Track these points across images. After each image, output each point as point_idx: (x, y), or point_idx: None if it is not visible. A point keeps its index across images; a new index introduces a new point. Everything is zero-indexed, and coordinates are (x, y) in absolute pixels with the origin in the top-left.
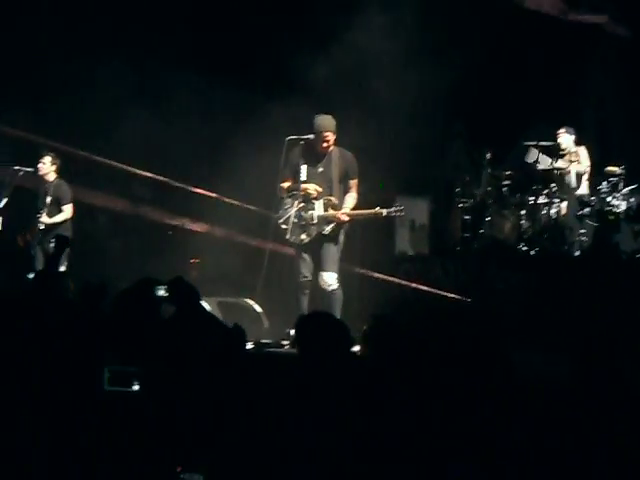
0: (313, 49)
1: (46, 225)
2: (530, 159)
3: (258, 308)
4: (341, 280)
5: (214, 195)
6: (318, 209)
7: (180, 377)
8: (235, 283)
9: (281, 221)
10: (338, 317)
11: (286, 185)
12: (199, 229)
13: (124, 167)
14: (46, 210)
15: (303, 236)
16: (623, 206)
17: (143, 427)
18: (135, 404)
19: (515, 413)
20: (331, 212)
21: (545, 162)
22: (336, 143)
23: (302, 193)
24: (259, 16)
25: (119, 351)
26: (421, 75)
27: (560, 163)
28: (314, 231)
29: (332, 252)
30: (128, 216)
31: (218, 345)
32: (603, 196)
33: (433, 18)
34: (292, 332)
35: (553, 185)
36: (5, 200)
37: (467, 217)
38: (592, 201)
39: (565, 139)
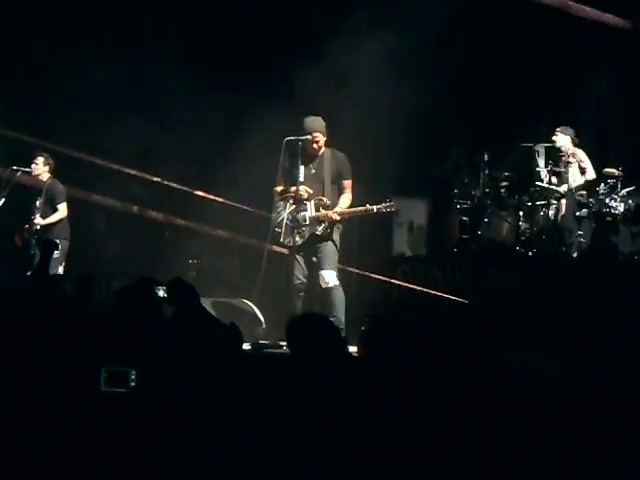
0: (309, 50)
1: (41, 226)
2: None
3: (256, 309)
4: (340, 279)
5: (211, 197)
6: (310, 210)
7: (178, 377)
8: (233, 284)
9: (275, 224)
10: (342, 316)
11: (280, 187)
12: (197, 230)
13: (121, 168)
14: (40, 211)
15: (297, 238)
16: (621, 208)
17: (139, 427)
18: (131, 405)
19: (511, 414)
20: (322, 212)
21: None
22: (327, 144)
23: (294, 195)
24: (253, 17)
25: (118, 351)
26: (420, 77)
27: (558, 165)
28: (307, 232)
29: (329, 251)
30: (126, 216)
31: (217, 345)
32: (601, 198)
33: (432, 19)
34: None
35: (552, 186)
36: (2, 200)
37: (465, 218)
38: (590, 203)
39: (561, 139)
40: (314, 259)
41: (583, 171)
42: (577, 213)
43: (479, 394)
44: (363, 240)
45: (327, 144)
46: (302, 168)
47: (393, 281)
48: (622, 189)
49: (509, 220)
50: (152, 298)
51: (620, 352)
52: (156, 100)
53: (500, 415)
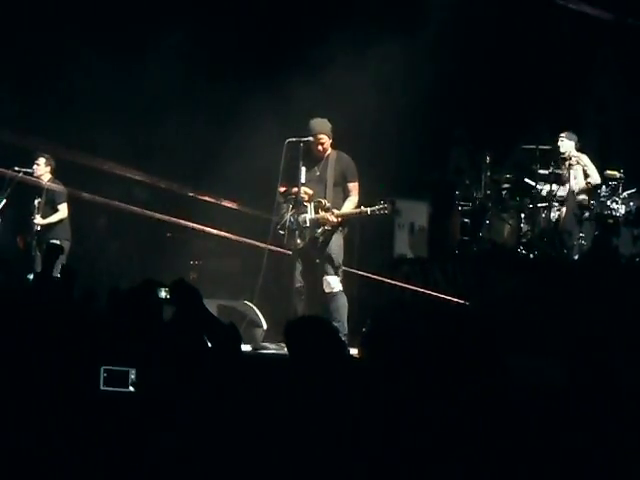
0: (312, 52)
1: (42, 226)
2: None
3: (257, 311)
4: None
5: (212, 200)
6: (310, 212)
7: (177, 378)
8: (234, 285)
9: (279, 226)
10: (344, 320)
11: (283, 189)
12: (199, 231)
13: (122, 172)
14: (40, 211)
15: (298, 241)
16: (622, 210)
17: (138, 428)
18: (130, 404)
19: (512, 417)
20: (321, 214)
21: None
22: (334, 146)
23: (295, 197)
24: (254, 18)
25: (117, 352)
26: (421, 79)
27: (560, 168)
28: (307, 235)
29: (332, 255)
30: (127, 218)
31: (217, 346)
32: (602, 200)
33: (433, 21)
34: None
35: (553, 189)
36: (4, 201)
37: (466, 220)
38: (591, 205)
39: (566, 144)
40: (317, 261)
41: (587, 176)
42: (578, 215)
43: (480, 396)
44: (364, 242)
45: (334, 146)
46: (304, 170)
47: (394, 283)
48: (623, 191)
49: (510, 222)
50: (154, 299)
51: (622, 355)
52: (159, 102)
53: (501, 418)
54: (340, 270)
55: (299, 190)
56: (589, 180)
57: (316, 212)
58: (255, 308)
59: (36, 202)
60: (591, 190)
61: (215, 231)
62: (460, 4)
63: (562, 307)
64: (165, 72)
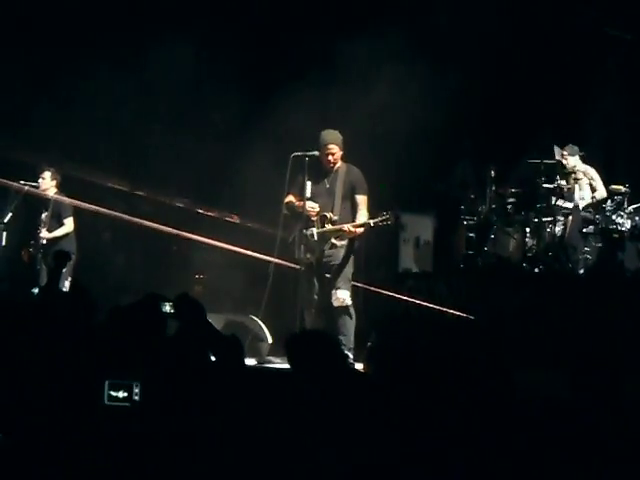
0: (319, 65)
1: (48, 240)
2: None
3: (262, 325)
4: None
5: (216, 215)
6: (317, 226)
7: (181, 392)
8: (239, 299)
9: (289, 241)
10: (351, 335)
11: (290, 203)
12: (204, 245)
13: (126, 186)
14: (46, 225)
15: (307, 255)
16: (628, 224)
17: (142, 442)
18: (134, 419)
19: (516, 431)
20: (327, 228)
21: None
22: (345, 159)
23: (303, 212)
24: (260, 31)
25: (122, 367)
26: (426, 93)
27: (566, 182)
28: (316, 249)
29: (342, 269)
30: (132, 231)
31: (220, 359)
32: (608, 214)
33: (440, 37)
34: None
35: (558, 203)
36: (10, 215)
37: (471, 234)
38: (597, 219)
39: (571, 160)
40: (327, 275)
41: (594, 189)
42: (584, 230)
43: (485, 409)
44: (369, 256)
45: (344, 159)
46: (309, 184)
47: (399, 297)
48: (629, 206)
49: (515, 236)
50: (157, 314)
51: (626, 369)
52: (164, 117)
53: (505, 431)
54: (350, 284)
55: (304, 204)
56: (595, 194)
57: (322, 226)
58: (260, 322)
59: (42, 216)
60: (596, 204)
61: (221, 244)
62: (466, 19)
63: (567, 321)
64: (169, 89)
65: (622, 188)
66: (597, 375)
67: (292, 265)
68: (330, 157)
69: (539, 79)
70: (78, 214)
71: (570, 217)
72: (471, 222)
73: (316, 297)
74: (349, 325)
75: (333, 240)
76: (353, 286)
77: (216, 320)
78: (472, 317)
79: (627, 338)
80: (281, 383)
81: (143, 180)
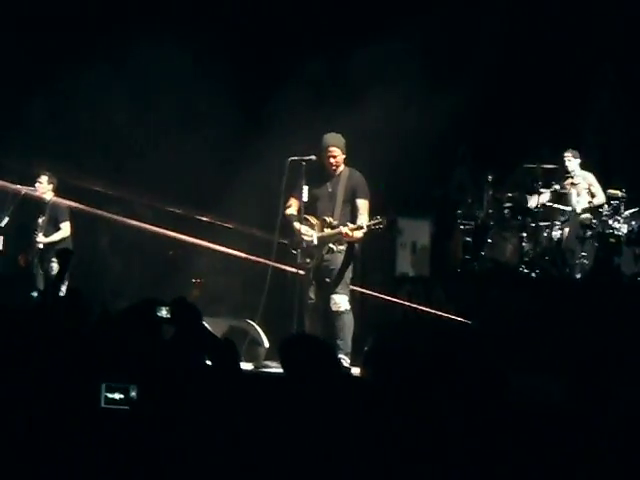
0: (316, 68)
1: (44, 244)
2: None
3: (259, 329)
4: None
5: (213, 220)
6: (317, 230)
7: (176, 396)
8: (236, 304)
9: (293, 245)
10: (349, 340)
11: (292, 208)
12: (200, 249)
13: (125, 191)
14: (42, 229)
15: (307, 259)
16: (624, 229)
17: (138, 446)
18: (131, 422)
19: (513, 435)
20: (326, 232)
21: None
22: (347, 163)
23: (304, 216)
24: (261, 35)
25: (118, 371)
26: (426, 98)
27: (561, 185)
28: (316, 253)
29: (339, 274)
30: (129, 235)
31: (216, 364)
32: (604, 219)
33: (437, 43)
34: None
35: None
36: (7, 219)
37: (468, 239)
38: (593, 224)
39: (573, 163)
40: (327, 280)
41: (593, 195)
42: (580, 234)
43: (481, 413)
44: (366, 260)
45: (347, 163)
46: (306, 188)
47: (396, 301)
48: (625, 210)
49: (512, 241)
50: (153, 318)
51: (622, 373)
52: (161, 121)
53: (501, 434)
54: (348, 289)
55: (300, 210)
56: (593, 200)
57: (322, 230)
58: (257, 327)
59: (39, 221)
60: (594, 209)
61: (220, 247)
62: (461, 24)
63: (563, 326)
64: (167, 92)
65: (619, 193)
66: (593, 379)
67: (291, 269)
68: (332, 160)
69: (536, 85)
70: (75, 218)
71: (567, 222)
72: (468, 226)
73: (315, 302)
74: (347, 330)
75: (331, 245)
76: (350, 290)
77: (213, 324)
78: (469, 321)
79: (623, 343)
80: (278, 388)
81: (140, 186)
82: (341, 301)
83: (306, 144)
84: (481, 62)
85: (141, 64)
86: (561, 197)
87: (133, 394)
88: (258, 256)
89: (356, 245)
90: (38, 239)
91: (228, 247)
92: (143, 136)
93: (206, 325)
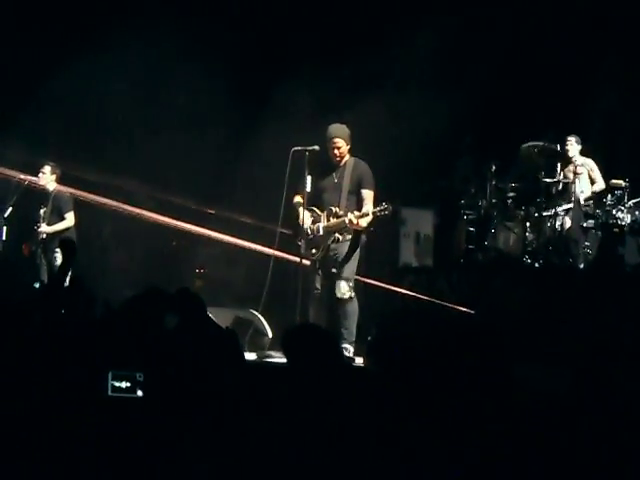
0: (323, 61)
1: (47, 234)
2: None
3: (262, 319)
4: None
5: (216, 212)
6: (323, 220)
7: (181, 386)
8: (239, 294)
9: (300, 236)
10: (353, 328)
11: (298, 198)
12: (203, 239)
13: (129, 183)
14: (46, 220)
15: (314, 250)
16: (628, 219)
17: (142, 435)
18: (136, 412)
19: (516, 426)
20: (332, 221)
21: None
22: (352, 154)
23: (310, 207)
24: (268, 31)
25: (123, 360)
26: (428, 89)
27: (564, 174)
28: (322, 243)
29: (345, 262)
30: (132, 226)
31: (220, 353)
32: (608, 209)
33: (442, 34)
34: None
35: (558, 196)
36: (10, 209)
37: (472, 229)
38: (597, 214)
39: (574, 148)
40: (334, 270)
41: (593, 181)
42: (584, 224)
43: (484, 404)
44: (369, 250)
45: (352, 153)
46: (309, 179)
47: (399, 291)
48: (629, 200)
49: (516, 231)
50: (157, 308)
51: (625, 364)
52: (167, 113)
53: (505, 425)
54: (352, 278)
55: (304, 200)
56: (594, 187)
57: (328, 220)
58: (260, 316)
59: (41, 211)
60: (596, 196)
61: (224, 236)
62: (468, 13)
63: (567, 316)
64: (174, 85)
65: (622, 183)
66: (596, 370)
67: (294, 258)
68: (336, 151)
69: (540, 74)
70: (78, 209)
71: (570, 212)
72: (471, 217)
73: (320, 292)
74: (350, 318)
75: (337, 234)
76: (355, 280)
77: (217, 314)
78: (472, 311)
79: (627, 333)
80: (281, 377)
81: (141, 176)
82: (344, 289)
83: (310, 134)
84: (486, 53)
85: (144, 56)
86: (564, 186)
87: (140, 381)
88: (262, 245)
89: (363, 235)
90: (41, 229)
91: (231, 236)
92: (145, 128)
93: (210, 315)
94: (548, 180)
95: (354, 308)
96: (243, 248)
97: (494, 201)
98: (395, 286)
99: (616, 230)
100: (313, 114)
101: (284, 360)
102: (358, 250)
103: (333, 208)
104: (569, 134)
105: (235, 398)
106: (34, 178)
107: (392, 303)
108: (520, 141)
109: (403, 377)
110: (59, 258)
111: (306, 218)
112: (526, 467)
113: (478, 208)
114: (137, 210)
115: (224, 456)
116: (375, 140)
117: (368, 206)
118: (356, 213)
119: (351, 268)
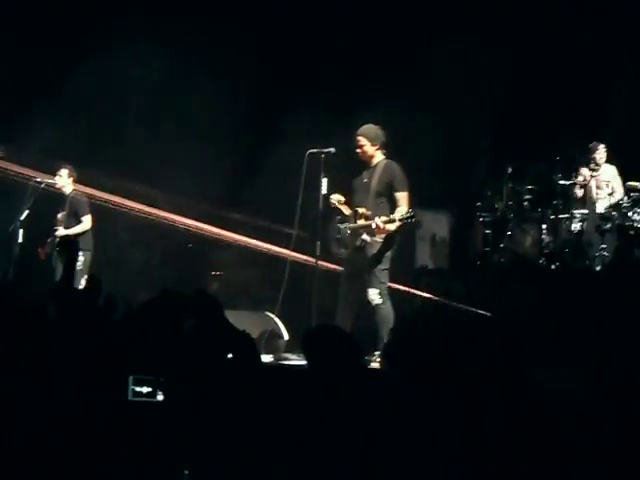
0: (341, 64)
1: (62, 237)
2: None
3: (278, 321)
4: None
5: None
6: (350, 221)
7: (199, 389)
8: (255, 296)
9: (331, 236)
10: (384, 334)
11: (337, 196)
12: (220, 242)
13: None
14: (63, 223)
15: (342, 250)
16: None
17: (161, 437)
18: (158, 415)
19: (534, 428)
20: (360, 223)
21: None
22: (387, 156)
23: (335, 207)
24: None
25: (140, 363)
26: (446, 91)
27: (581, 177)
28: (350, 244)
29: (372, 268)
30: (149, 228)
31: (237, 356)
32: (624, 211)
33: (460, 37)
34: None
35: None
36: (26, 212)
37: (488, 231)
38: (613, 216)
39: (602, 156)
40: (360, 272)
41: (612, 190)
42: (600, 226)
43: (502, 407)
44: None
45: (386, 155)
46: (325, 181)
47: (416, 294)
48: None
49: (532, 233)
50: (175, 311)
51: None
52: (183, 117)
53: (523, 429)
54: (380, 282)
55: (321, 199)
56: (612, 197)
57: (355, 221)
58: (276, 319)
59: (59, 215)
60: (614, 205)
61: (242, 238)
62: (487, 16)
63: (584, 318)
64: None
65: (639, 185)
66: (614, 373)
67: (309, 259)
68: (358, 150)
69: (556, 76)
70: (94, 211)
71: (586, 214)
72: (487, 219)
73: (346, 293)
74: (381, 324)
75: (364, 236)
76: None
77: (232, 317)
78: (488, 314)
79: None
80: (298, 380)
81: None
82: (372, 296)
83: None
84: (502, 56)
85: (162, 59)
86: (581, 189)
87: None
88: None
89: (396, 236)
90: (57, 233)
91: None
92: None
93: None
94: (564, 182)
95: (384, 313)
96: (259, 251)
97: (510, 203)
98: (411, 289)
99: (632, 232)
100: (330, 115)
101: (300, 362)
102: (389, 254)
103: (360, 209)
104: (582, 140)
105: (253, 400)
106: (51, 181)
107: (408, 306)
108: (536, 143)
109: (419, 380)
110: (81, 261)
111: (335, 219)
112: (544, 468)
113: (494, 210)
114: (153, 211)
115: (242, 458)
116: (390, 142)
117: (402, 208)
118: (383, 218)
119: (377, 273)
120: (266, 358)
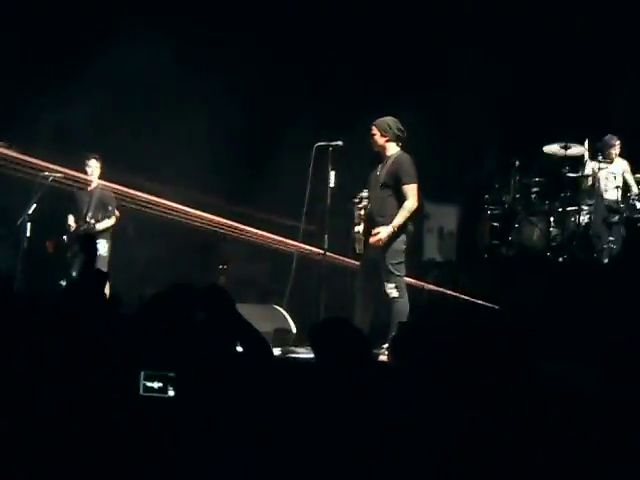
0: (351, 60)
1: (88, 233)
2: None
3: (286, 315)
4: None
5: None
6: (362, 217)
7: (210, 383)
8: (263, 289)
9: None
10: (395, 327)
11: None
12: (227, 235)
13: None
14: (92, 216)
15: (357, 245)
16: None
17: (171, 432)
18: (170, 410)
19: (542, 421)
20: (369, 221)
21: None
22: (403, 148)
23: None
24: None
25: (150, 357)
26: (457, 85)
27: (589, 169)
28: (362, 239)
29: (386, 262)
30: (156, 221)
31: (251, 351)
32: (632, 203)
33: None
34: None
35: (582, 191)
36: (34, 206)
37: (496, 224)
38: (621, 208)
39: (618, 150)
40: (374, 266)
41: (625, 182)
42: (608, 219)
43: (510, 400)
44: None
45: (403, 148)
46: (332, 174)
47: (423, 286)
48: None
49: (539, 226)
50: (186, 304)
51: None
52: (190, 111)
53: (531, 422)
54: (394, 276)
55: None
56: (631, 189)
57: (364, 217)
58: (284, 312)
59: (84, 207)
60: (621, 194)
61: (253, 229)
62: (495, 11)
63: (592, 311)
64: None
65: None
66: (623, 365)
67: (315, 251)
68: (370, 139)
69: (564, 70)
70: None
71: (594, 206)
72: (495, 212)
73: (360, 288)
74: (395, 318)
75: (374, 231)
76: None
77: (240, 310)
78: (496, 307)
79: None
80: (305, 373)
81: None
82: (389, 289)
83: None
84: (511, 48)
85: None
86: (589, 181)
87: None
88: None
89: (409, 226)
90: (89, 226)
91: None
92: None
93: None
94: (572, 175)
95: (400, 307)
96: (266, 244)
97: (518, 196)
98: (419, 281)
99: None
100: (341, 109)
101: (308, 356)
102: (403, 246)
103: (368, 204)
104: (588, 132)
105: (264, 394)
106: (57, 175)
107: (416, 298)
108: (543, 136)
109: (426, 373)
110: (102, 249)
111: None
112: (553, 463)
113: (502, 203)
114: (169, 203)
115: (252, 452)
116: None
117: (407, 201)
118: (383, 229)
119: (392, 267)
120: (274, 351)
